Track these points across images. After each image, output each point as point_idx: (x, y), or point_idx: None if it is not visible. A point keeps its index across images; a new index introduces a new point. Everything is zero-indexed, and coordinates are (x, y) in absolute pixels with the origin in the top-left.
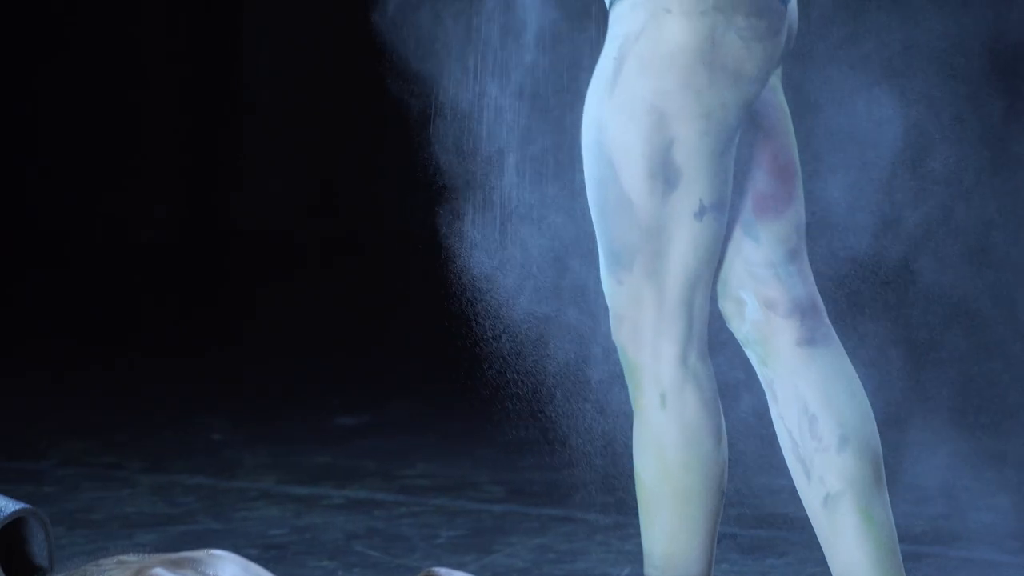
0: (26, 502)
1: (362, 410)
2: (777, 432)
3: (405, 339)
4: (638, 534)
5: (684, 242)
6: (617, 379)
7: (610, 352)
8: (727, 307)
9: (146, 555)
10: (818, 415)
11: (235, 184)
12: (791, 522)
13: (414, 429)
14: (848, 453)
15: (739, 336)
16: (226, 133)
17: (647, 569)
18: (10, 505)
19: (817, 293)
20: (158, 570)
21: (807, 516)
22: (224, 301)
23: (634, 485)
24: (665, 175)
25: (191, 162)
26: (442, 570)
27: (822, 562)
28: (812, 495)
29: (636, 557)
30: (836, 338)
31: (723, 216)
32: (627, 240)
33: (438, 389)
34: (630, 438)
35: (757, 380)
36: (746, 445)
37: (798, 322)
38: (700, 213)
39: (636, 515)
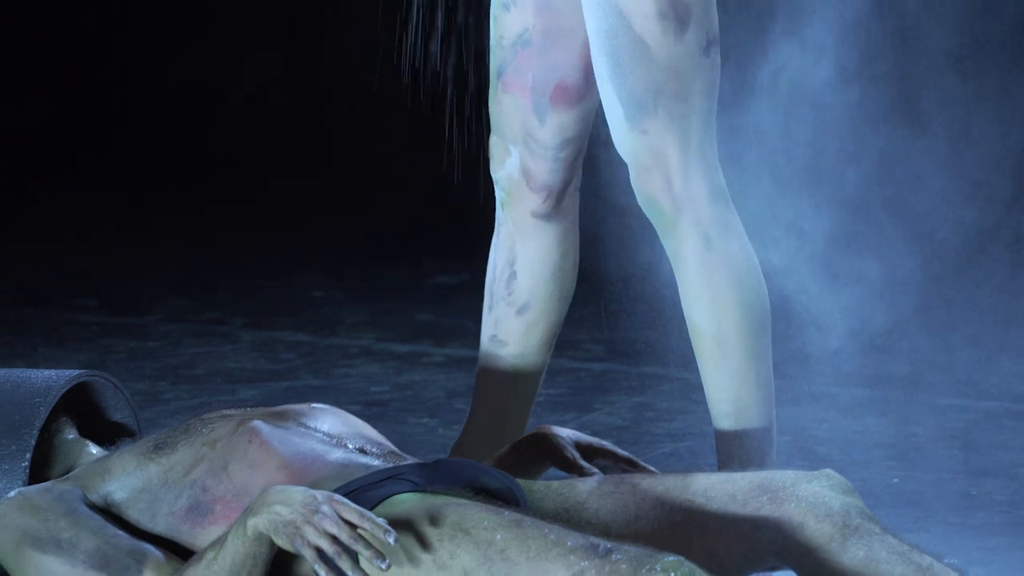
0: (130, 356)
1: (461, 269)
2: (489, 254)
3: None
4: None
5: (700, 80)
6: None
7: None
8: (496, 148)
9: (248, 409)
10: (518, 275)
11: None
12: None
13: None
14: (524, 319)
15: (493, 175)
16: None
17: (718, 420)
18: (66, 374)
19: (577, 179)
20: (258, 422)
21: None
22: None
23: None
24: (676, 14)
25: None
26: (553, 428)
27: None
28: (487, 326)
29: None
30: (572, 214)
31: (719, 49)
32: (648, 85)
33: None
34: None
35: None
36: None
37: (541, 199)
38: (707, 48)
39: None
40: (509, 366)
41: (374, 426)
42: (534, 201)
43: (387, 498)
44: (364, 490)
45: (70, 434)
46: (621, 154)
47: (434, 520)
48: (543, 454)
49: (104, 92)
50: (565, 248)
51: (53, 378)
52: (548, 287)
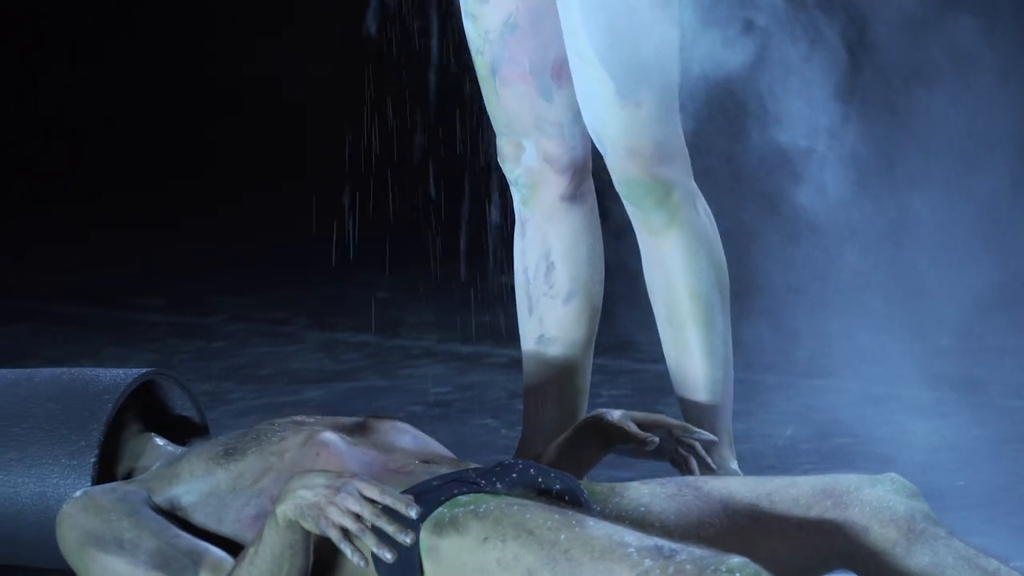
0: (196, 356)
1: None
2: (515, 263)
3: None
4: (802, 394)
5: (674, 47)
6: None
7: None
8: (506, 148)
9: (318, 417)
10: (557, 265)
11: None
12: None
13: None
14: (571, 307)
15: (509, 177)
16: None
17: (711, 385)
18: (133, 372)
19: (590, 154)
20: (327, 434)
21: None
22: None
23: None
24: None
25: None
26: (605, 410)
27: None
28: (530, 330)
29: (799, 417)
30: (593, 196)
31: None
32: (643, 55)
33: None
34: (796, 291)
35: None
36: None
37: (568, 179)
38: (677, 19)
39: (800, 374)
40: (561, 363)
41: (436, 427)
42: (561, 184)
43: (450, 499)
44: (427, 493)
45: (138, 430)
46: (604, 138)
47: (497, 521)
48: (600, 434)
49: (173, 89)
50: (594, 229)
51: (121, 376)
52: (588, 270)
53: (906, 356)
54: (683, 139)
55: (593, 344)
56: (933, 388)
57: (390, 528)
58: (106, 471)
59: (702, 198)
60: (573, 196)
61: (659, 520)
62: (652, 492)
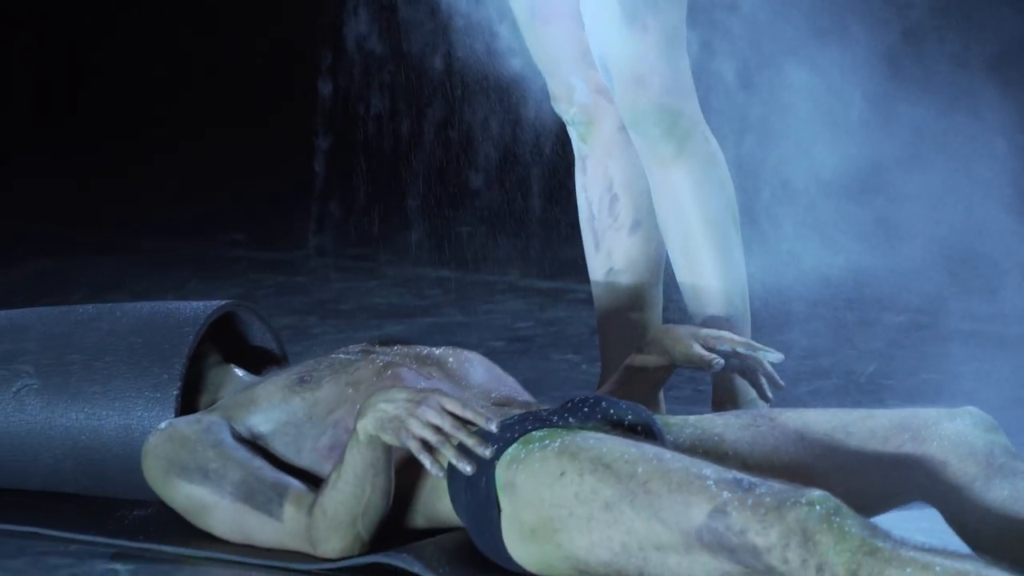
0: (279, 291)
1: None
2: (578, 200)
3: None
4: (887, 331)
5: None
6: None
7: None
8: (557, 89)
9: (391, 348)
10: (620, 196)
11: None
12: None
13: None
14: (638, 236)
15: (565, 117)
16: None
17: (729, 310)
18: (213, 304)
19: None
20: (402, 370)
21: None
22: None
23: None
24: None
25: None
26: (670, 325)
27: None
28: (598, 264)
29: (882, 354)
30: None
31: None
32: None
33: None
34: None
35: None
36: None
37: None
38: None
39: (883, 310)
40: (632, 294)
41: (516, 363)
42: (616, 114)
43: (524, 435)
44: (502, 428)
45: (218, 362)
46: (611, 66)
47: (574, 455)
48: (664, 352)
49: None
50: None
51: (201, 308)
52: (648, 202)
53: (992, 292)
54: (690, 71)
55: (662, 274)
56: (1019, 323)
57: (470, 441)
58: (188, 403)
59: (707, 127)
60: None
61: (733, 450)
62: (726, 423)
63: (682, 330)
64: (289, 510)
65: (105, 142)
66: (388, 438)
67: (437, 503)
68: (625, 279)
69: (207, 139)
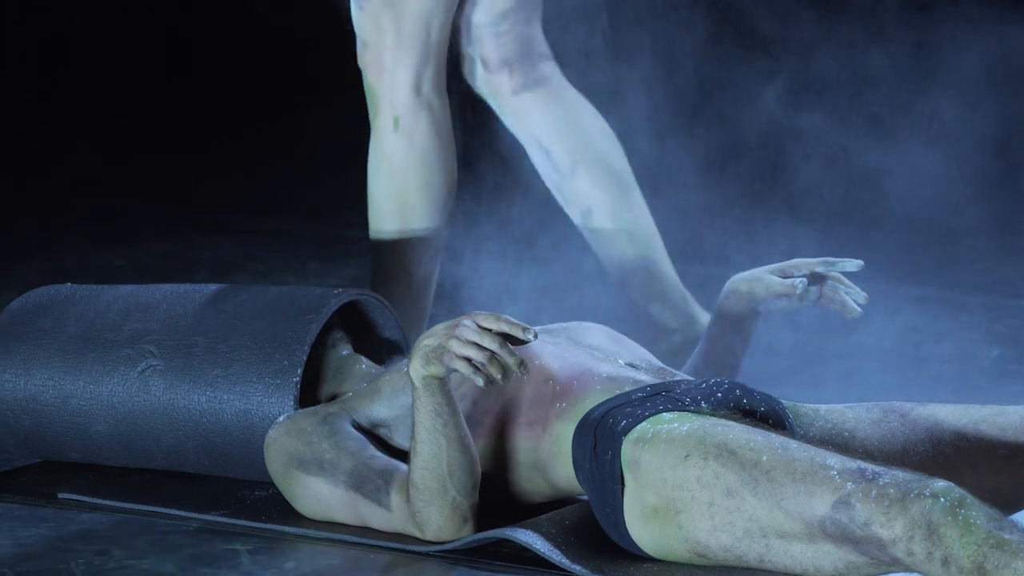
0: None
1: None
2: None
3: None
4: (1009, 314)
5: None
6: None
7: None
8: (465, 65)
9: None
10: (550, 148)
11: None
12: None
13: None
14: (581, 175)
15: (480, 92)
16: None
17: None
18: (337, 293)
19: (534, 46)
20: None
21: None
22: None
23: None
24: None
25: None
26: (737, 276)
27: None
28: (575, 213)
29: (1007, 338)
30: (554, 76)
31: None
32: None
33: None
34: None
35: None
36: None
37: (507, 75)
38: None
39: (1007, 294)
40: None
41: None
42: (504, 80)
43: (653, 415)
44: (629, 405)
45: (342, 350)
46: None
47: (700, 439)
48: (745, 297)
49: None
50: (567, 96)
51: (325, 296)
52: (579, 134)
53: None
54: (420, 58)
55: (632, 195)
56: None
57: (508, 358)
58: (309, 391)
59: (424, 119)
60: (525, 86)
61: (863, 445)
62: (857, 417)
63: (755, 272)
64: (395, 498)
65: (225, 124)
66: (435, 369)
67: (560, 469)
68: (596, 216)
69: (328, 119)
